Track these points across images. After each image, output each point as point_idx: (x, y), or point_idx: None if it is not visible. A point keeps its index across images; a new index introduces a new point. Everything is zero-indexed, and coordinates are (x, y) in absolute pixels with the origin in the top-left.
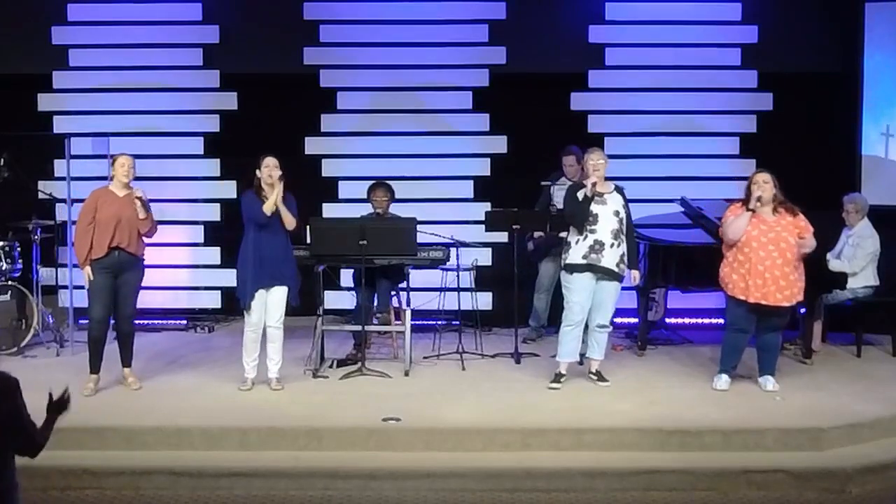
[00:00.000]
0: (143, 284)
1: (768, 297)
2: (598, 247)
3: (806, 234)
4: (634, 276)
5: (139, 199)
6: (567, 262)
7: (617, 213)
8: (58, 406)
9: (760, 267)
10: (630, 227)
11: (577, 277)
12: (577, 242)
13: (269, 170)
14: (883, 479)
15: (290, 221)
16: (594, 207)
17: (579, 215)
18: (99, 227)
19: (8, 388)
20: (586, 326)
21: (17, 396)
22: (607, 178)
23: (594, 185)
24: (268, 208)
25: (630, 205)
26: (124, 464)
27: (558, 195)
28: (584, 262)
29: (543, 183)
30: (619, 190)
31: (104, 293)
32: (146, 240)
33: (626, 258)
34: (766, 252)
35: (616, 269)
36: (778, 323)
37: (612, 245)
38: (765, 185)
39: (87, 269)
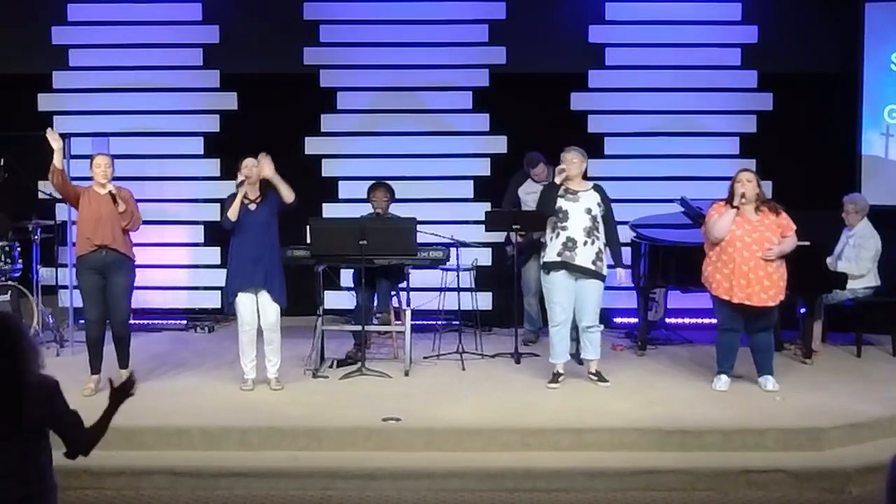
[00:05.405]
0: (143, 284)
1: (752, 297)
2: (570, 244)
3: (788, 232)
4: (620, 275)
5: (111, 193)
6: (544, 260)
7: (589, 211)
8: (121, 393)
9: (745, 267)
10: (612, 225)
11: (554, 276)
12: (551, 240)
13: (248, 170)
14: (883, 479)
15: (287, 194)
16: (565, 204)
17: (546, 205)
18: (82, 224)
19: (48, 392)
20: (578, 327)
21: (56, 399)
22: (606, 179)
23: (562, 171)
24: (232, 214)
25: (630, 205)
26: (124, 464)
27: (528, 198)
28: (559, 259)
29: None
30: (599, 189)
31: (95, 294)
32: (134, 237)
33: (602, 256)
34: (749, 252)
35: (592, 267)
36: (766, 323)
37: (584, 243)
38: (748, 183)
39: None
